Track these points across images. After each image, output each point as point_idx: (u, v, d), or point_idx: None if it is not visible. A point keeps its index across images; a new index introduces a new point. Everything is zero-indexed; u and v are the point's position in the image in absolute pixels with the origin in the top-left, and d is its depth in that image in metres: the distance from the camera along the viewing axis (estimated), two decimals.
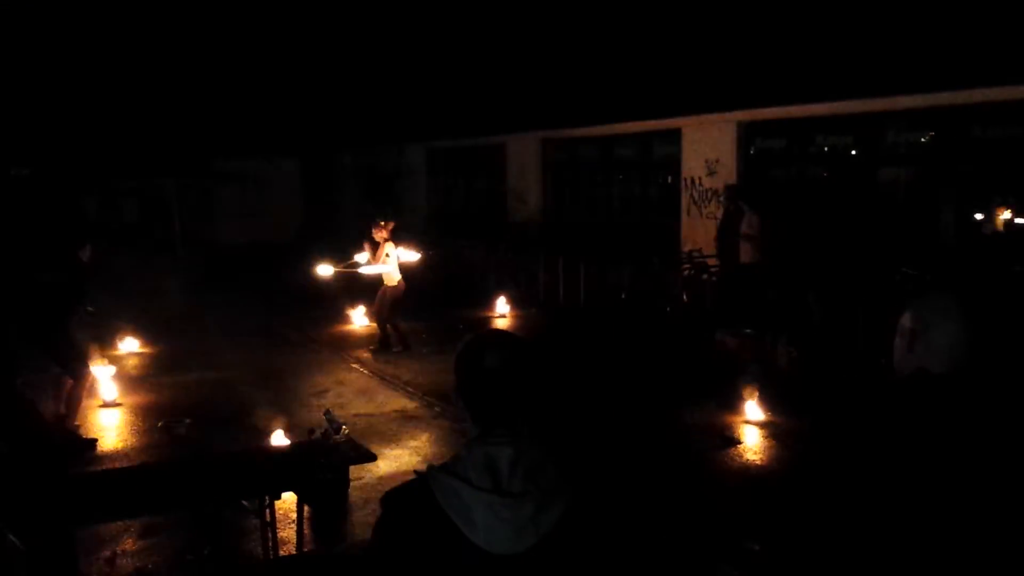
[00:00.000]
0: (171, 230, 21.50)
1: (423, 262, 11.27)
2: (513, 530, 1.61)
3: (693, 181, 13.31)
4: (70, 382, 6.98)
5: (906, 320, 1.97)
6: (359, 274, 10.41)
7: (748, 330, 9.62)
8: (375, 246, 10.12)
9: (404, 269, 10.21)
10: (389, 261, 10.05)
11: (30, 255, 7.43)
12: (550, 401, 1.75)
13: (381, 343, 10.36)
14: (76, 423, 7.15)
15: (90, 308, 7.75)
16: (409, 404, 8.11)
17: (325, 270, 10.50)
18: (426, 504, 1.63)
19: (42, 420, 6.19)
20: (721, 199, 12.12)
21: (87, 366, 7.28)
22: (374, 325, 10.77)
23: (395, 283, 10.11)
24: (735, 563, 3.88)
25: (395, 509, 1.69)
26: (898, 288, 8.89)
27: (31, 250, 7.62)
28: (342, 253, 10.57)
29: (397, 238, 10.25)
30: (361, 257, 10.27)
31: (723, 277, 11.33)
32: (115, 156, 20.77)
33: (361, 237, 10.39)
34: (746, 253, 10.51)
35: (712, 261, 11.65)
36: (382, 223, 10.11)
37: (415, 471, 1.73)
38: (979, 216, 10.00)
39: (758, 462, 6.43)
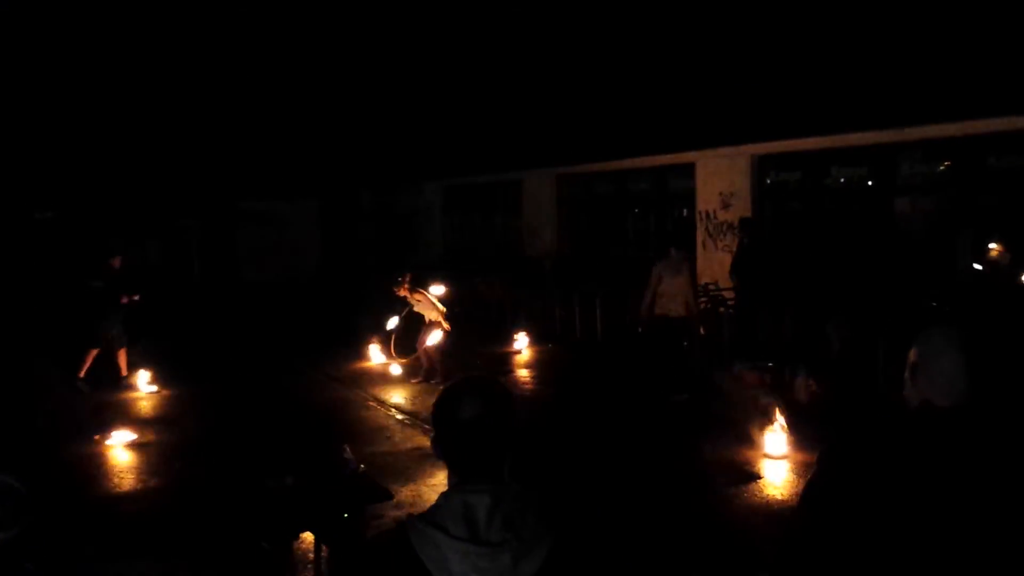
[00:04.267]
0: (193, 270, 21.75)
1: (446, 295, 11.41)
2: None
3: (708, 214, 13.33)
4: (121, 352, 10.54)
5: (912, 354, 1.98)
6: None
7: (767, 363, 9.56)
8: (405, 300, 10.36)
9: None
10: (425, 306, 10.25)
11: (83, 267, 10.55)
12: (566, 439, 1.74)
13: (426, 373, 10.51)
14: (126, 376, 10.53)
15: (135, 297, 10.37)
16: (426, 442, 8.10)
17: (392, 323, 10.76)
18: (404, 553, 1.60)
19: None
20: (736, 232, 12.14)
21: (123, 344, 10.53)
22: (405, 360, 10.93)
23: (438, 320, 10.32)
24: None
25: (374, 557, 1.66)
26: (918, 319, 8.82)
27: (84, 264, 10.67)
28: (361, 292, 10.69)
29: (418, 282, 10.42)
30: (392, 323, 10.65)
31: (740, 310, 11.29)
32: (138, 198, 21.11)
33: (379, 285, 10.63)
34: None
35: (729, 294, 11.63)
36: (400, 279, 10.28)
37: (395, 520, 1.72)
38: (977, 266, 9.91)
39: (779, 497, 6.36)
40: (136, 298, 10.39)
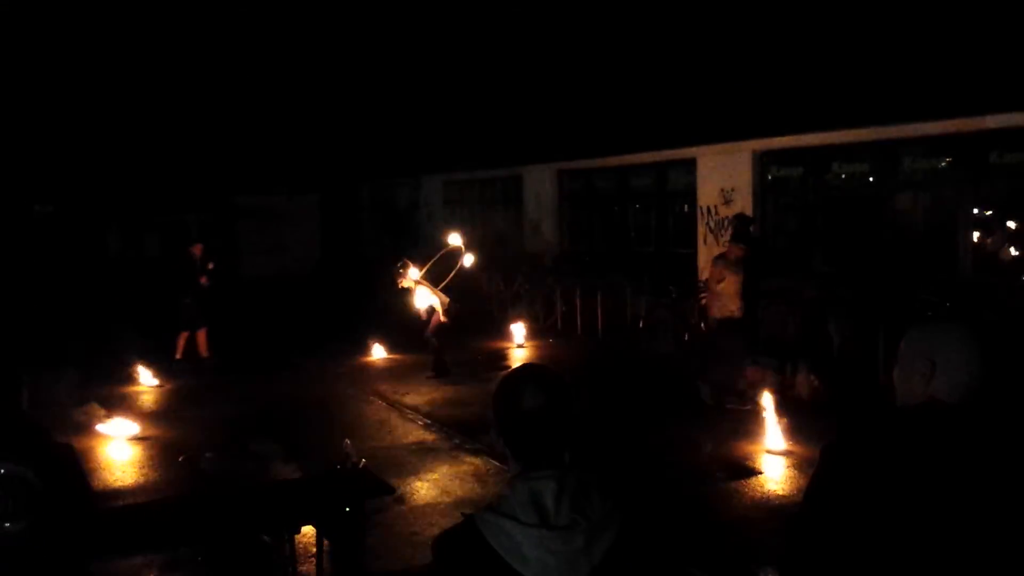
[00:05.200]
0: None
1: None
2: (566, 563, 1.61)
3: (709, 210, 13.32)
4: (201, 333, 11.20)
5: (906, 348, 1.96)
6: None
7: (769, 359, 9.55)
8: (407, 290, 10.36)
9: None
10: (421, 293, 10.23)
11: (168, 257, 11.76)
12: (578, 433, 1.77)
13: (437, 367, 10.45)
14: (208, 357, 11.14)
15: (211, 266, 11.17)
16: (428, 436, 8.11)
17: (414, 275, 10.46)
18: (477, 546, 1.64)
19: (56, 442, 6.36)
20: (731, 228, 12.06)
21: (203, 325, 11.21)
22: (396, 357, 10.90)
23: (441, 308, 10.29)
24: None
25: (448, 553, 1.70)
26: (917, 314, 8.82)
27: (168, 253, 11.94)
28: (360, 286, 10.68)
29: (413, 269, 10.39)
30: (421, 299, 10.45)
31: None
32: (137, 192, 21.09)
33: (379, 279, 10.60)
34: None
35: None
36: (400, 269, 10.26)
37: (462, 513, 1.74)
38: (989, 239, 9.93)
39: (779, 492, 6.37)
40: (210, 267, 11.26)
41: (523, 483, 1.68)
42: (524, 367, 1.85)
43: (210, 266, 11.19)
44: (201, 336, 11.23)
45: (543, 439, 1.72)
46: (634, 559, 1.69)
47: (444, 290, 10.38)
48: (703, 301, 12.13)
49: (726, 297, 8.69)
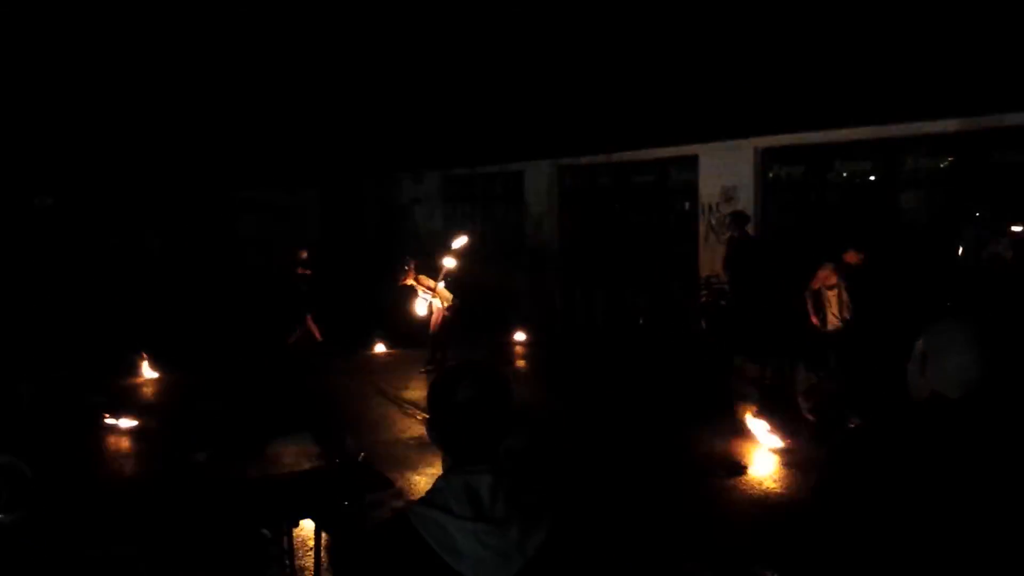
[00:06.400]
0: (190, 257, 21.71)
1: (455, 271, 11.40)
2: (500, 556, 1.59)
3: (711, 207, 13.30)
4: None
5: (920, 345, 1.97)
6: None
7: (767, 356, 9.56)
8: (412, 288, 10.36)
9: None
10: (425, 294, 10.23)
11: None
12: (562, 429, 1.77)
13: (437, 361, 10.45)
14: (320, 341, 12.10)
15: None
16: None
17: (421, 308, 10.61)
18: (409, 539, 1.61)
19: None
20: (727, 226, 12.00)
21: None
22: (396, 351, 10.91)
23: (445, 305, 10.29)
24: None
25: (378, 547, 1.66)
26: (921, 313, 8.81)
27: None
28: (361, 279, 10.68)
29: (420, 271, 10.40)
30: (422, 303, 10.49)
31: (737, 304, 11.29)
32: (138, 186, 21.08)
33: (380, 274, 10.63)
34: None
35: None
36: (406, 268, 10.25)
37: (392, 508, 1.73)
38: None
39: (776, 489, 6.37)
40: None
41: (457, 476, 1.67)
42: (461, 363, 1.85)
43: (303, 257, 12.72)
44: (310, 321, 12.39)
45: (476, 432, 1.71)
46: (569, 556, 1.66)
47: (446, 287, 10.38)
48: (703, 297, 12.14)
49: (835, 306, 8.07)
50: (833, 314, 8.12)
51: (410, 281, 10.23)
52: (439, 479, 1.70)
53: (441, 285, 10.26)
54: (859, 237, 9.39)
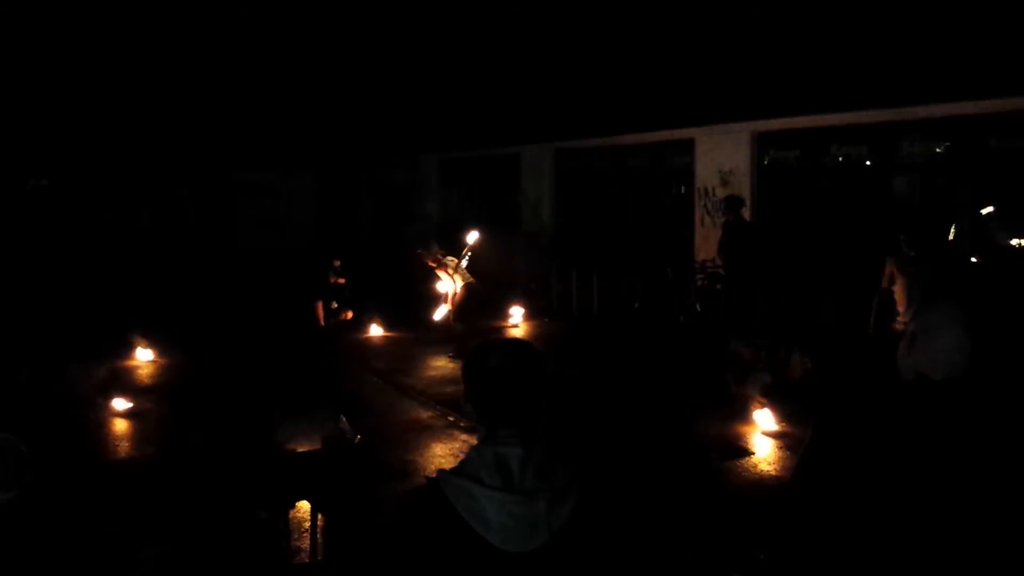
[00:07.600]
0: (186, 240, 21.66)
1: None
2: (527, 527, 1.64)
3: (707, 191, 13.30)
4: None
5: (912, 325, 1.99)
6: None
7: (762, 340, 9.60)
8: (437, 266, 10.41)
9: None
10: (449, 276, 10.31)
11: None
12: (560, 408, 1.80)
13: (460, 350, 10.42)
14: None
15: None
16: (424, 414, 8.14)
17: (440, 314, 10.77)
18: (440, 507, 1.66)
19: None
20: (722, 211, 12.00)
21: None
22: (392, 334, 10.93)
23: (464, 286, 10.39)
24: (744, 572, 3.88)
25: (410, 514, 1.72)
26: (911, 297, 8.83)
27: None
28: (357, 262, 10.69)
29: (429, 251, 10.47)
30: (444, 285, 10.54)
31: (732, 289, 11.32)
32: (133, 167, 21.00)
33: (379, 249, 10.64)
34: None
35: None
36: (419, 252, 10.31)
37: (426, 476, 1.78)
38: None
39: (772, 472, 6.41)
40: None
41: (489, 447, 1.71)
42: (495, 337, 1.95)
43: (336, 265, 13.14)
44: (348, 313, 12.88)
45: (507, 399, 1.75)
46: (595, 530, 1.71)
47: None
48: (699, 281, 12.16)
49: (898, 303, 7.08)
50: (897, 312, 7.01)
51: (432, 262, 10.26)
52: (472, 449, 1.75)
53: (464, 263, 10.30)
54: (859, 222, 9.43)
